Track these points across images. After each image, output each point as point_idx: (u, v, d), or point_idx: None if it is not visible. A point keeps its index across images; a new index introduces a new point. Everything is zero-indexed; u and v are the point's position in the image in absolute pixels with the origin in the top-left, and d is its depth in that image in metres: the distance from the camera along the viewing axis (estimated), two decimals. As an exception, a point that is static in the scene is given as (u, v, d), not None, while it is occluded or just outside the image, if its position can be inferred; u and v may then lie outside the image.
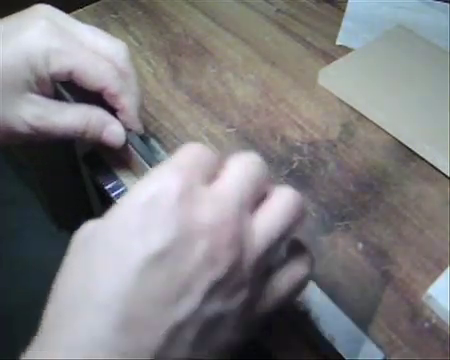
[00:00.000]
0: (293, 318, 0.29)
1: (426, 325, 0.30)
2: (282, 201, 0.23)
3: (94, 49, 0.33)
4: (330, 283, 0.31)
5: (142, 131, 0.36)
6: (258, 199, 0.23)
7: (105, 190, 0.41)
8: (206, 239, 0.20)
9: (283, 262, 0.24)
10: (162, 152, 0.38)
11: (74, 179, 0.68)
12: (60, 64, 0.31)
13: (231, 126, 0.42)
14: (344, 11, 0.54)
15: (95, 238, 0.21)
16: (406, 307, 0.31)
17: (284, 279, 0.24)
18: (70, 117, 0.32)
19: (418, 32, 0.50)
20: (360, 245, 0.34)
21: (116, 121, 0.34)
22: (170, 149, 0.39)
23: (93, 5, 0.54)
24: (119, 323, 0.19)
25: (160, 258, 0.19)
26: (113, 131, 0.34)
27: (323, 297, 0.29)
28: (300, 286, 0.24)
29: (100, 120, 0.33)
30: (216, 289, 0.20)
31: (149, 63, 0.47)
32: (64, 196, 0.78)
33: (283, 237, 0.23)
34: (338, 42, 0.50)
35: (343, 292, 0.31)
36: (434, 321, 0.30)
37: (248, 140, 0.41)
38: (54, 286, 0.21)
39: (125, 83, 0.33)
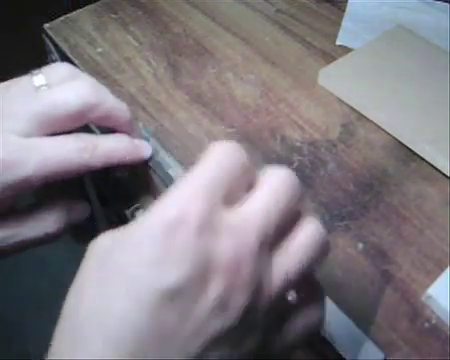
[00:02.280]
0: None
1: (426, 325, 0.30)
2: (307, 235, 0.22)
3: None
4: (330, 283, 0.31)
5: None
6: (284, 228, 0.21)
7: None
8: (221, 280, 0.19)
9: (296, 304, 0.23)
10: (162, 152, 0.38)
11: (74, 179, 0.68)
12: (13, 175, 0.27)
13: (231, 126, 0.42)
14: (344, 11, 0.54)
15: (111, 260, 0.20)
16: (406, 307, 0.31)
17: (298, 325, 0.22)
18: (44, 221, 0.31)
19: (418, 32, 0.50)
20: (360, 245, 0.34)
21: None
22: (170, 149, 0.39)
23: (93, 5, 0.54)
24: (128, 357, 0.18)
25: (174, 296, 0.19)
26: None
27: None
28: (313, 331, 0.23)
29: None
30: (226, 335, 0.20)
31: (149, 63, 0.47)
32: (64, 196, 0.78)
33: (302, 276, 0.21)
34: (338, 42, 0.50)
35: (343, 292, 0.31)
36: (434, 321, 0.30)
37: (248, 140, 0.41)
38: (66, 300, 0.20)
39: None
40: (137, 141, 0.34)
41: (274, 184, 0.21)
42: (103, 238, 0.21)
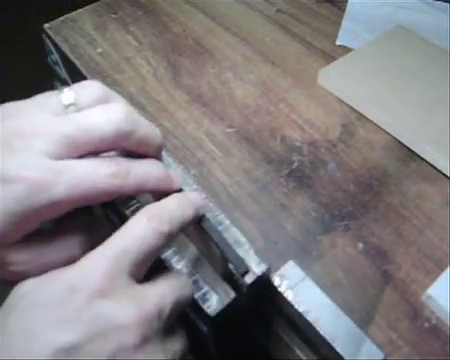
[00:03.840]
0: (293, 318, 0.29)
1: (426, 325, 0.30)
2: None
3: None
4: (330, 283, 0.31)
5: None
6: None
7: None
8: (115, 340, 0.22)
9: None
10: (162, 151, 0.38)
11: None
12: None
13: (231, 126, 0.42)
14: (344, 11, 0.54)
15: (19, 314, 0.22)
16: (406, 307, 0.31)
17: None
18: (68, 243, 0.28)
19: (418, 32, 0.50)
20: (360, 245, 0.34)
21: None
22: (170, 149, 0.39)
23: (93, 5, 0.54)
24: None
25: (70, 351, 0.21)
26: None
27: (323, 297, 0.29)
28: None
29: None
30: None
31: (149, 63, 0.47)
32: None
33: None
34: (338, 42, 0.50)
35: (343, 292, 0.31)
36: (434, 321, 0.30)
37: (248, 140, 0.41)
38: None
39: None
40: (170, 171, 0.31)
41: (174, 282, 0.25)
42: (24, 284, 0.23)
